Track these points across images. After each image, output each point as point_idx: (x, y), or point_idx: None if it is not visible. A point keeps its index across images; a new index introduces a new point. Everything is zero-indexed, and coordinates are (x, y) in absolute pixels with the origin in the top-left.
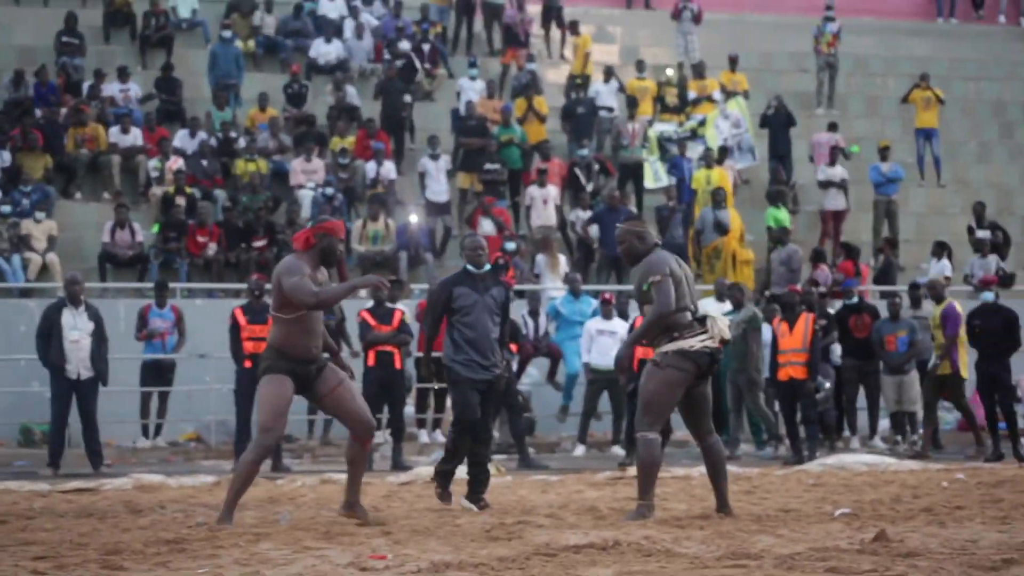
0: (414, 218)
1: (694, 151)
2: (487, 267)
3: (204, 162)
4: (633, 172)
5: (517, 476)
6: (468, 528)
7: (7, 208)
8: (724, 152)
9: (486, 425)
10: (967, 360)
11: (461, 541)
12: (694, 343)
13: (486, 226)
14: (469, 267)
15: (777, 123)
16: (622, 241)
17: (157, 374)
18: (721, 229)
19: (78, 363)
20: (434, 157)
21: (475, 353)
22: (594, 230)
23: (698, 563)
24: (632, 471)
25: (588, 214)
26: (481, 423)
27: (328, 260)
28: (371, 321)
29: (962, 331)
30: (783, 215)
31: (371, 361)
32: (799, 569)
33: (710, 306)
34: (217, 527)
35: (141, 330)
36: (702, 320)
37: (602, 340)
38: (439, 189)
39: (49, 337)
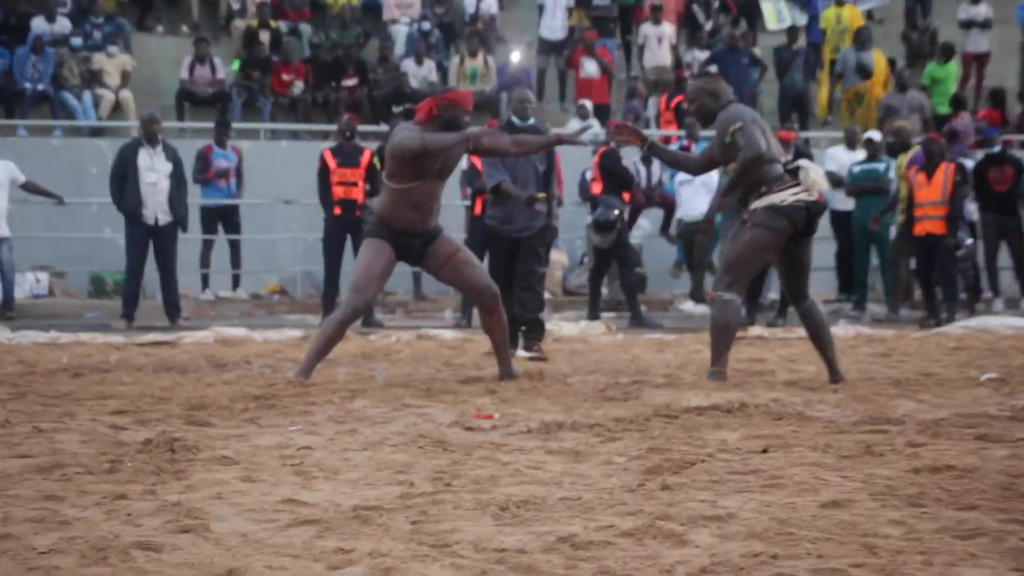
0: (516, 56)
1: None
2: (531, 120)
3: None
4: (749, 9)
5: (629, 335)
6: (580, 388)
7: (78, 41)
8: None
9: (530, 280)
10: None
11: (573, 401)
12: (785, 196)
13: (589, 67)
14: (514, 119)
15: None
16: (693, 99)
17: (222, 220)
18: (864, 72)
19: (155, 207)
20: None
21: (510, 211)
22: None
23: (833, 427)
24: (753, 331)
25: (706, 54)
26: (521, 276)
27: (453, 130)
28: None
29: None
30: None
31: (478, 210)
32: (945, 436)
33: (840, 155)
34: (303, 380)
35: (203, 171)
36: (795, 172)
37: (693, 189)
38: (555, 25)
39: (124, 179)
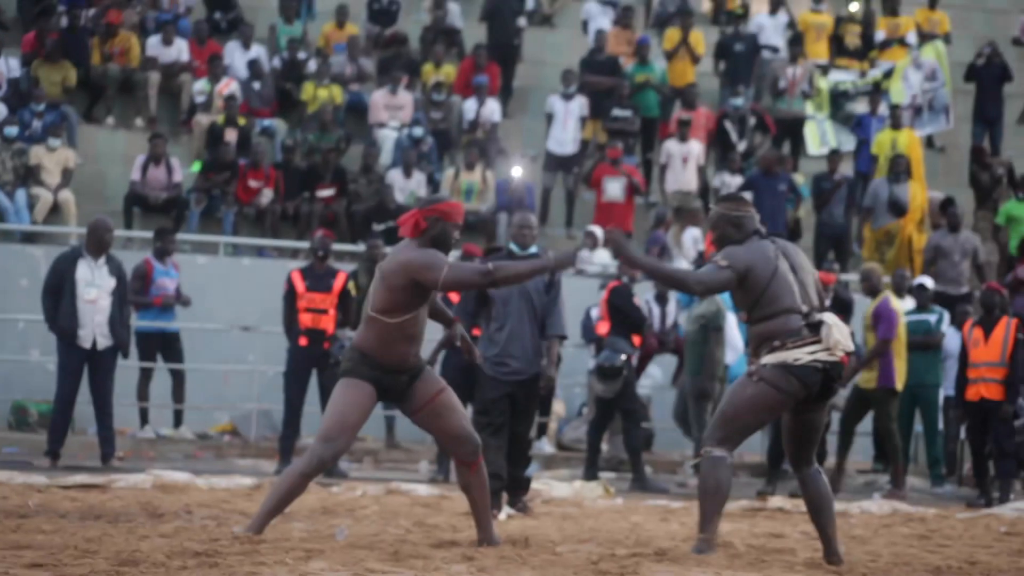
0: (518, 171)
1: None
2: (533, 249)
3: (257, 85)
4: (791, 129)
5: (630, 499)
6: (570, 559)
7: (13, 130)
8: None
9: (518, 432)
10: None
11: (560, 573)
12: (799, 355)
13: (612, 189)
14: (512, 246)
15: (988, 77)
16: (715, 227)
17: (162, 346)
18: (897, 209)
19: (94, 328)
20: (567, 96)
21: (508, 350)
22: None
23: None
24: (773, 502)
25: (737, 178)
26: (514, 429)
27: (443, 250)
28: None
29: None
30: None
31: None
32: None
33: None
34: (253, 537)
35: (143, 292)
36: (816, 327)
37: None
38: (566, 138)
39: (59, 294)
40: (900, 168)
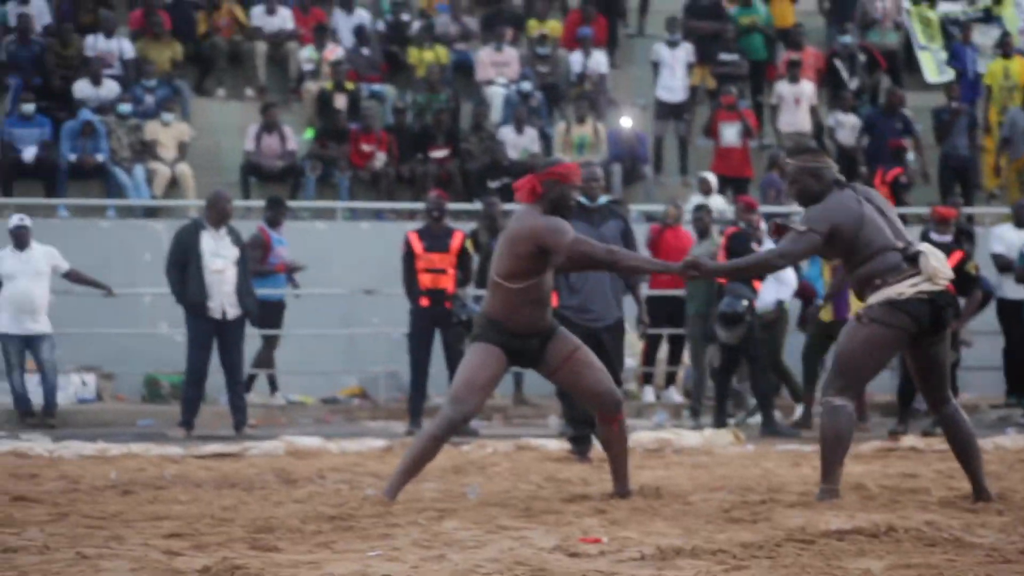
0: (628, 121)
1: (987, 36)
2: (602, 199)
3: (367, 51)
4: (897, 63)
5: (761, 445)
6: (702, 508)
7: (127, 107)
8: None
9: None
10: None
11: (694, 523)
12: (903, 289)
13: (728, 134)
14: (582, 198)
15: None
16: (794, 181)
17: (272, 316)
18: None
19: (222, 299)
20: (672, 44)
21: (591, 297)
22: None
23: (997, 556)
24: (906, 441)
25: (851, 117)
26: None
27: (562, 214)
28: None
29: None
30: None
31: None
32: None
33: (1008, 234)
34: (387, 501)
35: (263, 260)
36: (914, 259)
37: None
38: (675, 85)
39: (185, 267)
40: None
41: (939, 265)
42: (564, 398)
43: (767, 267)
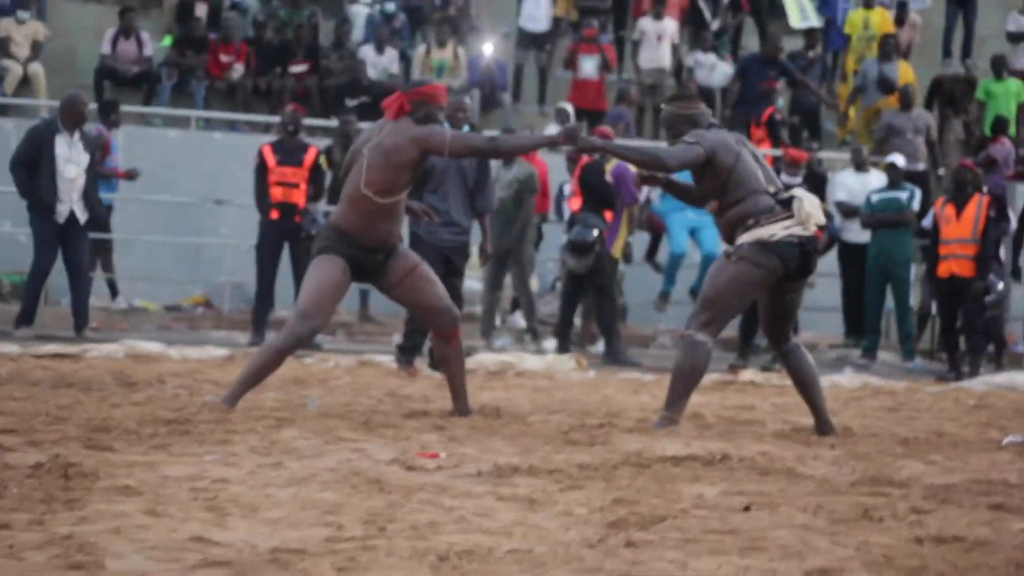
0: (489, 48)
1: None
2: (465, 129)
3: None
4: (760, 6)
5: (602, 372)
6: (541, 429)
7: None
8: None
9: (455, 293)
10: None
11: (531, 443)
12: (775, 231)
13: (587, 67)
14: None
15: None
16: (670, 126)
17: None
18: (887, 87)
19: (72, 203)
20: None
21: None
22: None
23: (827, 487)
24: (744, 375)
25: (710, 57)
26: (452, 291)
27: None
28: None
29: None
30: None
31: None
32: (955, 503)
33: (849, 180)
34: (226, 408)
35: (101, 161)
36: (787, 202)
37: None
38: (538, 15)
39: (33, 167)
40: (889, 47)
41: (812, 211)
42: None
43: (658, 162)
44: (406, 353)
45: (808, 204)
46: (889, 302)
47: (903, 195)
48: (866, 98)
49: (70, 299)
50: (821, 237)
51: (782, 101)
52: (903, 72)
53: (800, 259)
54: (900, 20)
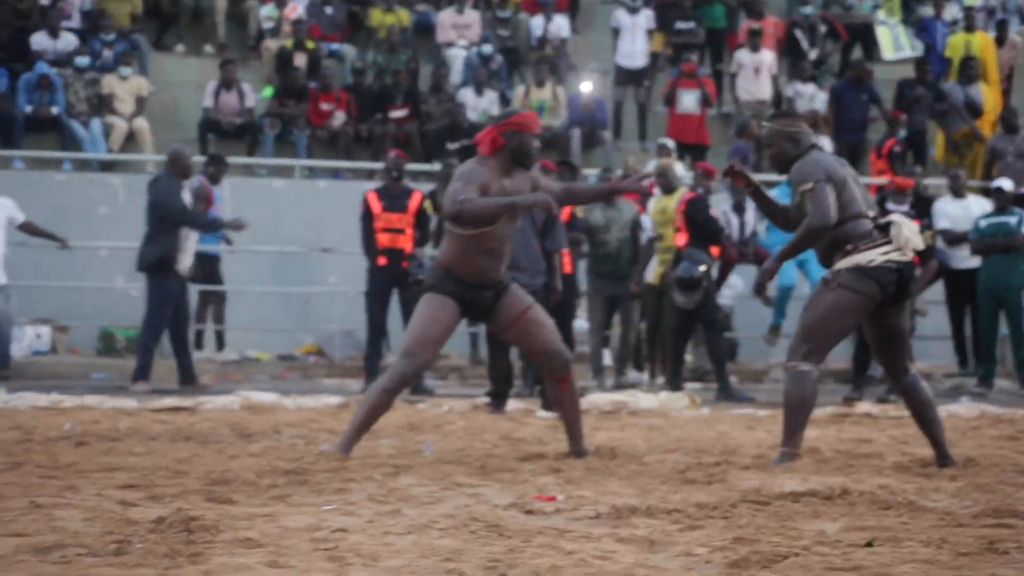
0: (588, 86)
1: (950, 11)
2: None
3: (330, 10)
4: (861, 35)
5: (716, 409)
6: (657, 468)
7: (85, 60)
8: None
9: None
10: None
11: (649, 483)
12: (874, 256)
13: (687, 101)
14: None
15: None
16: (770, 144)
17: (211, 272)
18: (973, 111)
19: (188, 255)
20: (632, 10)
21: (516, 261)
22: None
23: (950, 520)
24: (860, 408)
25: (809, 87)
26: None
27: (523, 162)
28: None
29: None
30: None
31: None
32: None
33: (948, 207)
34: (341, 456)
35: (205, 212)
36: (886, 228)
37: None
38: (634, 51)
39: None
40: (971, 70)
41: (911, 236)
42: (491, 355)
43: (815, 234)
44: (496, 399)
45: (907, 229)
46: (1003, 329)
47: (1012, 220)
48: (952, 123)
49: (176, 353)
50: (917, 262)
51: (903, 132)
52: (986, 95)
53: (897, 284)
54: (1000, 41)
